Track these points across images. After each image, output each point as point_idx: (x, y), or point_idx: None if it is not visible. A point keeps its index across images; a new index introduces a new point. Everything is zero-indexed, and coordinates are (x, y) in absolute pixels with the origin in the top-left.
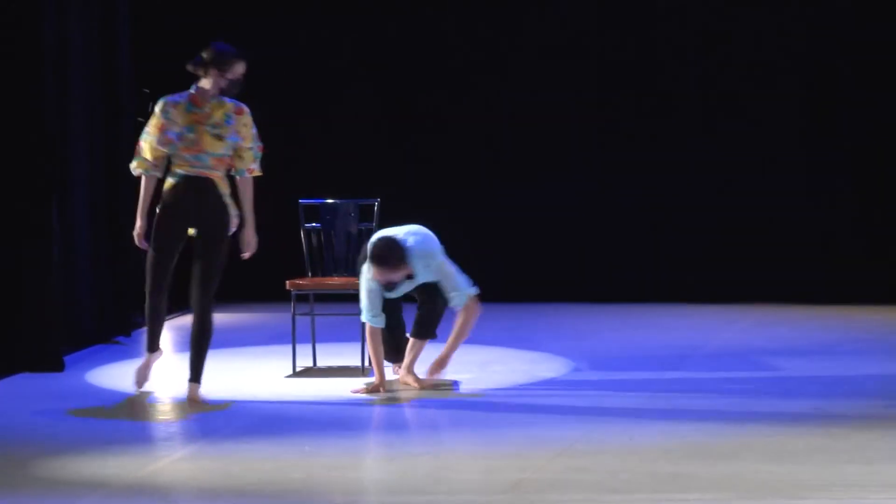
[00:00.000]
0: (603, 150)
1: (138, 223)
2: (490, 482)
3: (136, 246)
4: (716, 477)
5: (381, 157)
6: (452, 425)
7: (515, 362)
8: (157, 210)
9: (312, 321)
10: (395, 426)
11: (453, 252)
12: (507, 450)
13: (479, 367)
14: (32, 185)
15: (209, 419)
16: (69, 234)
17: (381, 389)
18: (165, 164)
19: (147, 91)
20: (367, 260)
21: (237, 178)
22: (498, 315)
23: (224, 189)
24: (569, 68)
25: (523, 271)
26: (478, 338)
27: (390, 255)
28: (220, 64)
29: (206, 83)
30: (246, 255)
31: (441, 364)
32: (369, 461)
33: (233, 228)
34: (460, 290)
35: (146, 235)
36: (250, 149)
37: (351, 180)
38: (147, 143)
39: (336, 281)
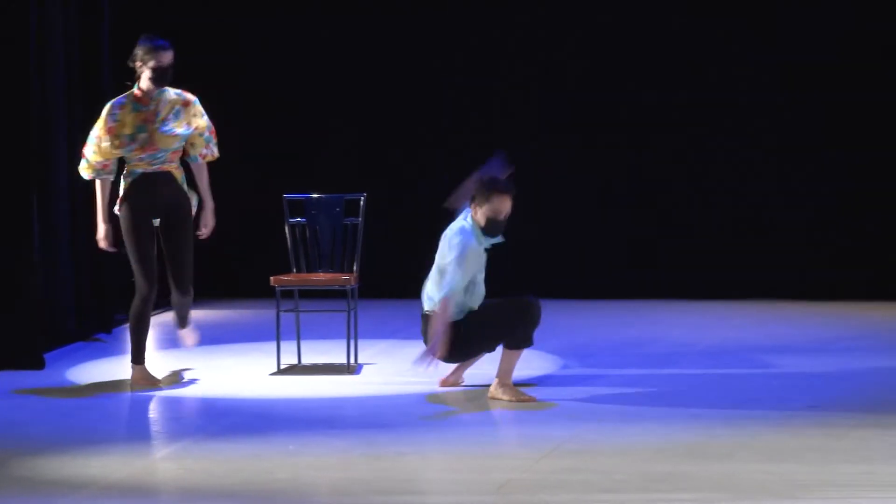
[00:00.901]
0: (601, 147)
1: (102, 227)
2: (478, 482)
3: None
4: (709, 476)
5: (368, 153)
6: (441, 424)
7: None
8: (121, 210)
9: (297, 318)
10: (381, 425)
11: (426, 244)
12: (495, 449)
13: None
14: (13, 184)
15: (193, 418)
16: (50, 233)
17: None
18: (118, 165)
19: (129, 84)
20: (493, 192)
21: (191, 164)
22: None
23: (180, 177)
24: (553, 64)
25: (515, 268)
26: None
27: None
28: (144, 57)
29: (143, 79)
30: (203, 233)
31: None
32: (356, 460)
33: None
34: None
35: (113, 240)
36: (201, 135)
37: (337, 175)
38: (95, 147)
39: (321, 277)
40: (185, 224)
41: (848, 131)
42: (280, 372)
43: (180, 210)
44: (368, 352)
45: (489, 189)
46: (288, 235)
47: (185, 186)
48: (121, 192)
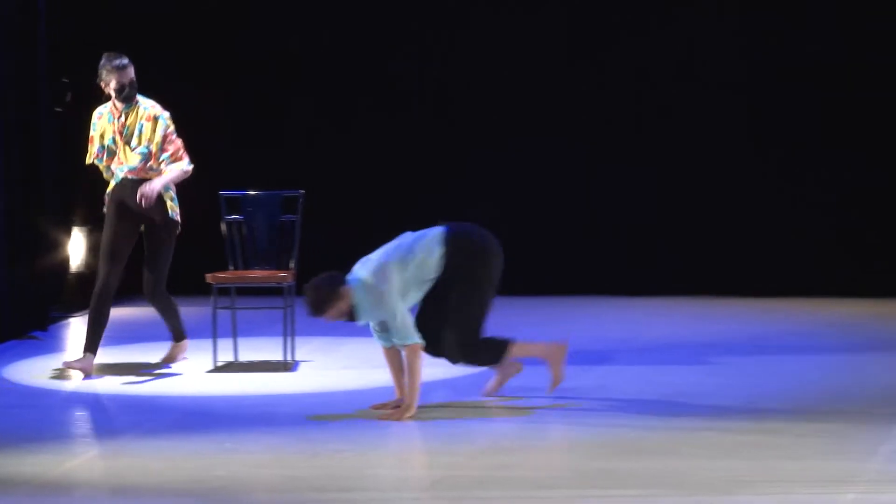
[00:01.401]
0: (538, 148)
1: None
2: (415, 479)
3: (53, 240)
4: (646, 473)
5: (307, 149)
6: (377, 421)
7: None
8: (106, 205)
9: (234, 315)
10: (318, 422)
11: (369, 245)
12: (431, 446)
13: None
14: None
15: (128, 415)
16: None
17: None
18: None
19: (66, 81)
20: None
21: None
22: None
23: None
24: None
25: None
26: None
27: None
28: (105, 77)
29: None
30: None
31: (406, 410)
32: (292, 458)
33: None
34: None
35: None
36: (158, 153)
37: (276, 172)
38: (90, 153)
39: (258, 274)
40: (156, 232)
41: (777, 127)
42: (216, 369)
43: (159, 225)
44: (305, 349)
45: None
46: (224, 232)
47: (164, 197)
48: (108, 189)
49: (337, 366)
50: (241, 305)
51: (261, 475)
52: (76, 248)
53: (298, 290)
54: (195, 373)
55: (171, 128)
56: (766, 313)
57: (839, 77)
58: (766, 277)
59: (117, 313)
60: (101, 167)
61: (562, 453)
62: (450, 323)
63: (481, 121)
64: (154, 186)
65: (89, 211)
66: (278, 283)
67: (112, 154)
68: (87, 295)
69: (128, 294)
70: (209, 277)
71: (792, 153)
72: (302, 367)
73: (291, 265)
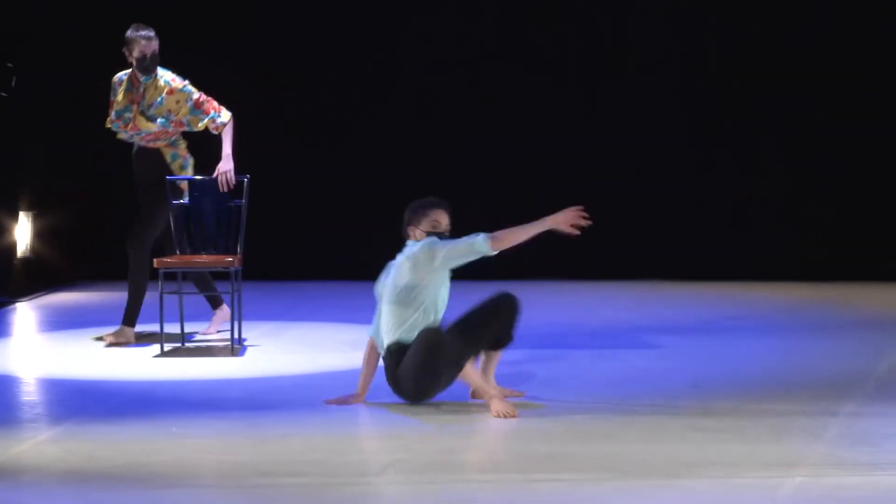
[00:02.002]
0: (486, 129)
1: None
2: (363, 463)
3: None
4: (593, 456)
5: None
6: (324, 406)
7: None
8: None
9: (181, 300)
10: (265, 406)
11: (317, 228)
12: (380, 430)
13: (350, 346)
14: None
15: (75, 400)
16: None
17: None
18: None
19: (10, 66)
20: (428, 208)
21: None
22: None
23: (169, 156)
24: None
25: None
26: (348, 317)
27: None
28: (129, 46)
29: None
30: (218, 175)
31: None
32: (240, 442)
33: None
34: None
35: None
36: (197, 117)
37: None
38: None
39: (205, 259)
40: (153, 202)
41: (724, 111)
42: (163, 354)
43: (153, 187)
44: (252, 333)
45: (424, 207)
46: (171, 218)
47: (171, 165)
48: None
49: (284, 350)
50: (189, 290)
51: (207, 460)
52: (22, 233)
53: (245, 275)
54: (142, 358)
55: (196, 92)
56: (714, 297)
57: (784, 61)
58: (714, 262)
59: (65, 298)
60: (117, 132)
61: (509, 438)
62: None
63: (431, 109)
64: (227, 167)
65: (35, 196)
66: (225, 268)
67: (128, 122)
68: (34, 280)
69: (77, 279)
70: (156, 262)
71: (741, 136)
72: (249, 352)
73: (238, 250)
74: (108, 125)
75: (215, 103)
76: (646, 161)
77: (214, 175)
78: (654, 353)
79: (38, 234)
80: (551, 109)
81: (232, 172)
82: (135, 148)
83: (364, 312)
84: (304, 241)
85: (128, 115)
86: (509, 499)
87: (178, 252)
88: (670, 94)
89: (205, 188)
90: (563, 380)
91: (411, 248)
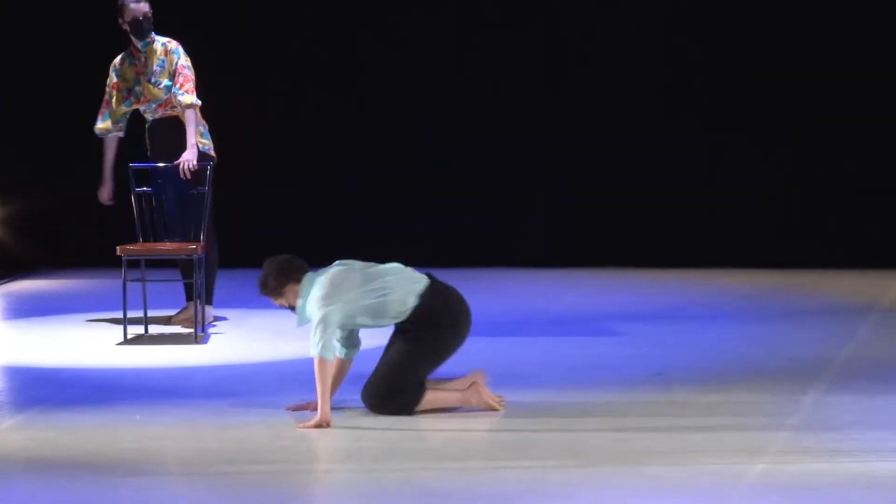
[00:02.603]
0: (451, 116)
1: (107, 185)
2: (327, 450)
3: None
4: (557, 444)
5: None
6: (288, 393)
7: None
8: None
9: (144, 287)
10: (229, 394)
11: (271, 221)
12: (343, 418)
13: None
14: None
15: (38, 388)
16: None
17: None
18: (127, 122)
19: None
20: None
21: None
22: None
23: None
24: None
25: (359, 237)
26: None
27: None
28: (120, 13)
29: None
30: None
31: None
32: (203, 430)
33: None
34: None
35: (111, 194)
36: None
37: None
38: (109, 107)
39: (168, 246)
40: (194, 174)
41: (689, 100)
42: (127, 342)
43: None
44: (216, 321)
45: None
46: (134, 205)
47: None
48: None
49: (248, 338)
50: (152, 278)
51: (170, 447)
52: None
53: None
54: (105, 345)
55: (183, 60)
56: (677, 285)
57: (751, 52)
58: (678, 248)
59: (27, 286)
60: (130, 110)
61: (472, 424)
62: (378, 370)
63: (392, 100)
64: (189, 157)
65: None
66: (188, 256)
67: (139, 96)
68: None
69: (39, 266)
70: (119, 250)
71: (706, 124)
72: (212, 340)
73: (201, 237)
74: (123, 106)
75: (191, 83)
76: (611, 149)
77: (176, 163)
78: (617, 340)
79: (2, 222)
80: (521, 97)
81: (194, 161)
82: (148, 122)
83: None
84: (269, 228)
85: (138, 88)
86: (474, 486)
87: (140, 239)
88: (635, 81)
89: (168, 175)
90: (527, 367)
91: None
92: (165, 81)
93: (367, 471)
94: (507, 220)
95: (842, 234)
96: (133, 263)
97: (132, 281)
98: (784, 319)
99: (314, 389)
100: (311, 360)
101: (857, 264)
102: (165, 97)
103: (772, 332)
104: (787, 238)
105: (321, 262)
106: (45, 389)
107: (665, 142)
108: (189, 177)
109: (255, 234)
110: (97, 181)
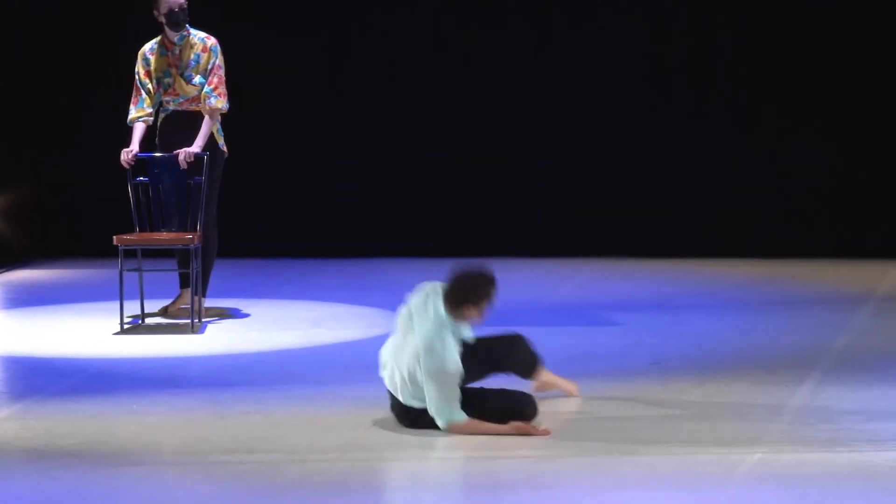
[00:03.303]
0: (436, 105)
1: (133, 147)
2: (323, 441)
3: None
4: (553, 433)
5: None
6: (284, 383)
7: (348, 318)
8: (157, 142)
9: (140, 277)
10: (224, 384)
11: (268, 203)
12: (339, 408)
13: (312, 323)
14: None
15: (34, 378)
16: None
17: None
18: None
19: None
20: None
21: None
22: (331, 271)
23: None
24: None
25: (355, 226)
26: (309, 294)
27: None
28: (156, 4)
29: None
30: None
31: None
32: (199, 420)
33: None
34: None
35: (132, 157)
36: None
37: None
38: (144, 90)
39: (164, 236)
40: (208, 171)
41: (678, 89)
42: (123, 332)
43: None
44: (212, 311)
45: (486, 294)
46: (131, 194)
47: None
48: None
49: (244, 328)
50: (148, 268)
51: (167, 437)
52: None
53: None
54: (101, 335)
55: (219, 60)
56: (673, 274)
57: (731, 34)
58: (673, 238)
59: (23, 275)
60: (159, 102)
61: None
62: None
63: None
64: (193, 150)
65: None
66: (185, 245)
67: (168, 87)
68: None
69: (34, 255)
70: (116, 239)
71: (696, 112)
72: (209, 330)
73: (198, 227)
74: (139, 108)
75: (224, 86)
76: (607, 136)
77: (176, 153)
78: (613, 329)
79: None
80: (510, 83)
81: (195, 151)
82: (167, 112)
83: (323, 290)
84: (267, 219)
85: (168, 79)
86: (470, 475)
87: (137, 229)
88: (625, 64)
89: (164, 165)
90: None
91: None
92: (198, 78)
93: (366, 460)
94: (501, 210)
95: (837, 224)
96: (130, 253)
97: (129, 270)
98: (780, 309)
99: (311, 380)
100: (304, 352)
101: (853, 254)
102: (195, 94)
103: (768, 322)
104: (782, 227)
105: (306, 252)
106: (42, 379)
107: (660, 131)
108: (186, 167)
109: (245, 223)
110: (95, 169)
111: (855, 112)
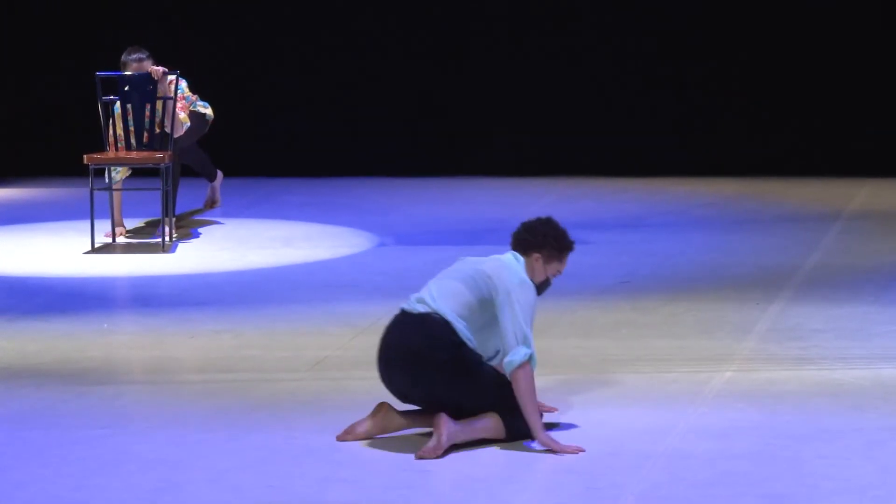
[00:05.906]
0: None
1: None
2: (293, 360)
3: None
4: None
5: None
6: (254, 302)
7: (318, 238)
8: None
9: (111, 196)
10: (195, 303)
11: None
12: (309, 327)
13: (282, 242)
14: None
15: (4, 297)
16: None
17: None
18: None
19: None
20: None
21: None
22: (300, 189)
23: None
24: None
25: (325, 144)
26: (280, 213)
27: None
28: (124, 67)
29: None
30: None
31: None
32: (170, 339)
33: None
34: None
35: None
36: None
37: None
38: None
39: (134, 155)
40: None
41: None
42: (94, 251)
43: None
44: (183, 230)
45: (565, 248)
46: (101, 113)
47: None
48: None
49: (214, 247)
50: (118, 187)
51: (138, 356)
52: None
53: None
54: (72, 255)
55: (186, 92)
56: (642, 193)
57: None
58: (642, 157)
59: None
60: None
61: None
62: None
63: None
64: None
65: None
66: (155, 164)
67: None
68: None
69: (6, 175)
70: (86, 158)
71: (663, 34)
72: (180, 248)
73: (169, 146)
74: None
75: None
76: (575, 56)
77: (148, 69)
78: (583, 248)
79: None
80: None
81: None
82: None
83: (294, 209)
84: (241, 138)
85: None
86: None
87: (108, 148)
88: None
89: (134, 83)
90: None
91: (509, 268)
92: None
93: (336, 379)
94: (472, 130)
95: (806, 141)
96: (101, 172)
97: (99, 189)
98: (749, 228)
99: (281, 299)
100: (274, 271)
101: (823, 171)
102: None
103: (737, 241)
104: (751, 145)
105: (276, 171)
106: (12, 298)
107: (629, 50)
108: (159, 77)
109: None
110: (50, 88)
111: (827, 34)
